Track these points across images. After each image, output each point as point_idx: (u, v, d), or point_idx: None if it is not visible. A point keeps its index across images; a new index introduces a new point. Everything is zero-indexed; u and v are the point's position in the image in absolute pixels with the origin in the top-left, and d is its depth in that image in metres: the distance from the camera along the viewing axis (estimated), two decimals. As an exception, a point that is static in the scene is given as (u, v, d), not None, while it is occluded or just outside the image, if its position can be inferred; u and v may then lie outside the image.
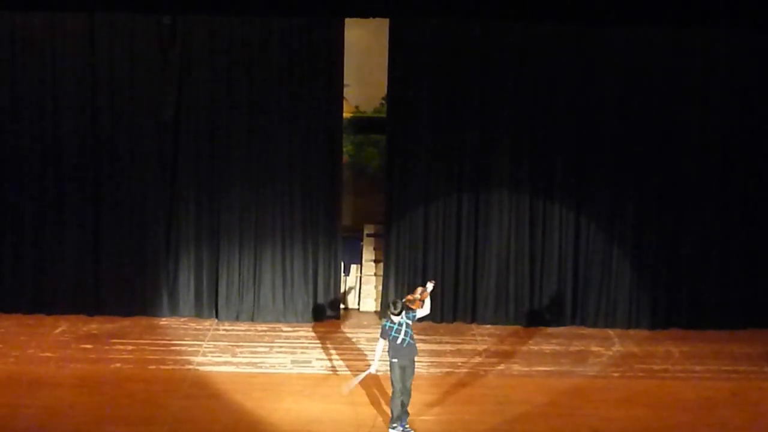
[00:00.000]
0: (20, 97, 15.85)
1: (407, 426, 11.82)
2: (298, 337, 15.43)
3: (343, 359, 14.54)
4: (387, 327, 11.80)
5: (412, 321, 11.87)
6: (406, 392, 11.83)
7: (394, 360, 11.76)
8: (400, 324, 11.71)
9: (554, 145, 16.10)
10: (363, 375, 12.10)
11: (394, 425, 11.80)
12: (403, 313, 11.75)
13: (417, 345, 11.94)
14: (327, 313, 16.31)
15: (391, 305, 11.89)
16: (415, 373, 11.99)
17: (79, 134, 15.90)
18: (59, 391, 12.88)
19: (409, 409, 12.07)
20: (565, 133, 16.07)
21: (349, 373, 13.92)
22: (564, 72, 15.99)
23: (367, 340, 15.42)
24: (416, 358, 11.93)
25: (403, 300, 11.98)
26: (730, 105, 16.01)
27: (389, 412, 11.96)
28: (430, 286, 12.14)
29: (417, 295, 11.99)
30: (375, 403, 12.76)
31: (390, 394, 11.94)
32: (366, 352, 14.85)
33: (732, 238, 16.21)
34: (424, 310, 12.02)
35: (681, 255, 16.27)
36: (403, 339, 11.72)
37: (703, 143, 16.09)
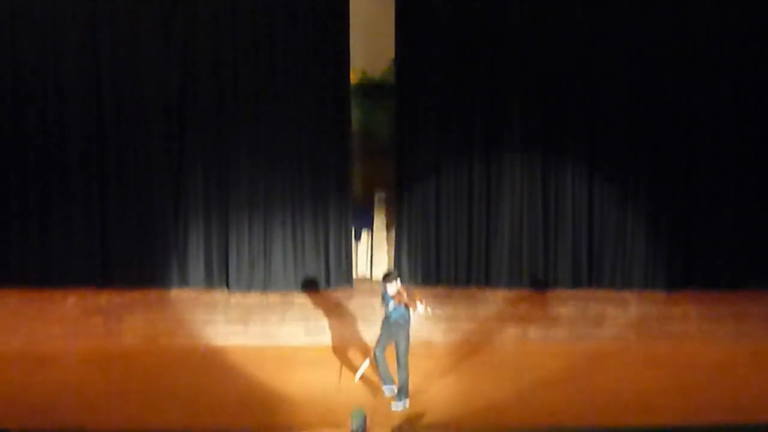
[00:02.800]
0: (23, 71, 15.63)
1: (400, 398, 11.68)
2: (311, 307, 15.27)
3: (356, 328, 14.40)
4: (383, 292, 11.74)
5: (399, 314, 11.64)
6: (402, 368, 11.70)
7: (383, 329, 11.78)
8: (392, 299, 11.60)
9: (566, 106, 15.86)
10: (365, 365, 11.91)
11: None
12: (396, 288, 11.62)
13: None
14: (338, 281, 16.15)
15: (384, 274, 11.98)
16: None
17: (83, 106, 15.71)
18: (69, 366, 12.81)
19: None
20: (578, 95, 15.82)
21: (363, 340, 13.77)
22: (576, 34, 15.69)
23: (381, 307, 15.25)
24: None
25: (407, 296, 11.65)
26: (746, 59, 15.69)
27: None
28: (421, 308, 11.59)
29: (417, 300, 11.59)
30: (392, 372, 12.59)
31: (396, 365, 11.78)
32: (378, 320, 14.64)
33: (750, 198, 15.97)
34: (415, 315, 11.70)
35: (697, 215, 16.06)
36: (392, 315, 11.64)
37: (720, 101, 15.81)
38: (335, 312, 15.07)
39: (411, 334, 11.87)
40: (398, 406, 11.61)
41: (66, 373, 12.55)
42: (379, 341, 11.88)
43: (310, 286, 15.99)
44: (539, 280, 16.11)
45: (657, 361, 13.13)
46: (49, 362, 12.93)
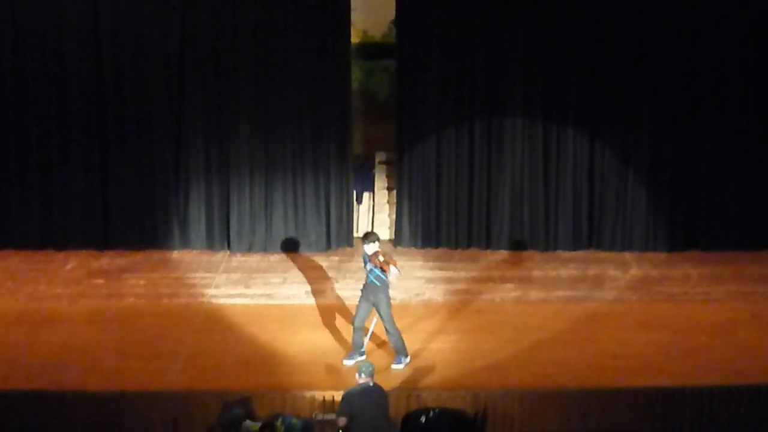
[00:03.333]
0: (22, 33, 15.57)
1: (398, 359, 11.68)
2: (312, 268, 15.27)
3: (357, 289, 14.35)
4: (363, 253, 11.70)
5: (374, 275, 11.58)
6: (389, 333, 11.67)
7: (362, 293, 11.77)
8: (369, 260, 11.56)
9: (567, 68, 15.81)
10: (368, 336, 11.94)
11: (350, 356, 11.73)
12: (374, 249, 11.57)
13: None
14: (340, 243, 16.14)
15: (363, 234, 11.98)
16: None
17: (83, 69, 15.66)
18: (72, 327, 12.81)
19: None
20: (579, 56, 15.78)
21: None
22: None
23: (382, 268, 15.30)
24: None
25: (382, 259, 11.55)
26: (748, 24, 15.64)
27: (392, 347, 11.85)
28: (394, 270, 11.51)
29: (391, 263, 11.56)
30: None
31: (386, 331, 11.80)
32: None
33: (750, 159, 15.97)
34: (391, 277, 11.58)
35: (698, 176, 16.07)
36: (368, 276, 11.58)
37: (720, 63, 15.77)
38: (336, 273, 15.08)
39: (390, 296, 11.81)
40: (398, 367, 11.63)
41: (69, 334, 12.55)
42: (357, 310, 11.76)
43: (311, 247, 16.00)
44: (540, 241, 16.11)
45: (657, 323, 13.12)
46: (52, 323, 12.93)
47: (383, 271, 11.50)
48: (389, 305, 11.71)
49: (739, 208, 16.04)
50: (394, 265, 11.52)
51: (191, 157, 15.93)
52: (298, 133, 15.91)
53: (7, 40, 15.57)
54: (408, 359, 11.73)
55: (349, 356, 11.76)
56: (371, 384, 9.85)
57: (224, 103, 15.80)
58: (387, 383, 10.54)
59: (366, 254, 11.65)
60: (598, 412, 10.99)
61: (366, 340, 11.85)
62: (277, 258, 15.78)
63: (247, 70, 15.71)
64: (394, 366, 11.64)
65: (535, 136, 15.99)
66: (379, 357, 11.76)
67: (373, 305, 11.68)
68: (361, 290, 11.80)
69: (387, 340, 11.82)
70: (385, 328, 11.72)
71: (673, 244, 16.11)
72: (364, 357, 11.69)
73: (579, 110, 15.93)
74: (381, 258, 11.53)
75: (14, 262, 15.42)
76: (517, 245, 16.12)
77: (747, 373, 11.57)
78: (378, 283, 11.59)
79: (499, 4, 15.68)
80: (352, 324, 11.82)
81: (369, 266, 11.59)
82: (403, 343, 11.75)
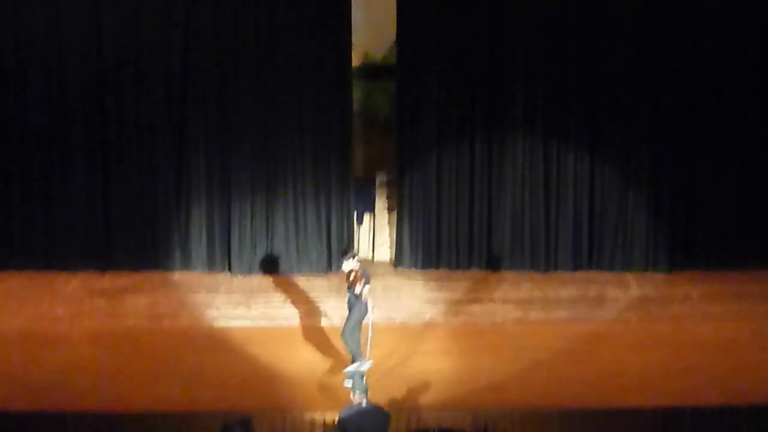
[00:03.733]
0: (25, 50, 15.62)
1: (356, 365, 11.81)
2: (313, 288, 15.30)
3: (358, 309, 14.43)
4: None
5: (352, 295, 11.87)
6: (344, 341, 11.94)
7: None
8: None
9: (567, 87, 15.83)
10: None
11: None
12: (350, 266, 11.86)
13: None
14: (340, 262, 16.17)
15: (343, 250, 12.28)
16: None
17: (85, 87, 15.71)
18: (74, 348, 12.84)
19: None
20: (579, 75, 15.79)
21: (363, 323, 13.78)
22: (576, 13, 15.68)
23: (383, 289, 15.29)
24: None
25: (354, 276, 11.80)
26: (746, 40, 15.66)
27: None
28: (357, 289, 11.78)
29: (359, 280, 11.77)
30: (394, 353, 12.67)
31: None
32: (380, 301, 14.71)
33: (751, 178, 15.96)
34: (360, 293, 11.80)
35: (698, 195, 16.05)
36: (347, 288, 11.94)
37: (719, 82, 15.77)
38: (336, 294, 15.09)
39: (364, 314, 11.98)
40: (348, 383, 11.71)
41: (70, 354, 12.59)
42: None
43: (311, 267, 16.02)
44: (541, 262, 16.10)
45: (658, 342, 13.13)
46: (54, 343, 12.96)
47: (351, 288, 11.79)
48: (358, 322, 11.89)
49: (740, 227, 16.03)
50: (360, 285, 11.70)
51: (192, 178, 15.97)
52: (299, 154, 15.95)
53: (9, 58, 15.63)
54: (368, 363, 11.79)
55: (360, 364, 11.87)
56: (365, 403, 9.83)
57: (225, 124, 15.84)
58: (388, 403, 10.54)
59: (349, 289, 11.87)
60: (598, 432, 11.01)
61: (368, 345, 11.91)
62: (279, 279, 15.80)
63: (248, 90, 15.76)
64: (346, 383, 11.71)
65: (536, 155, 16.01)
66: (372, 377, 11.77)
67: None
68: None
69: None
70: (343, 331, 11.84)
71: (674, 264, 16.10)
72: (371, 362, 11.75)
73: (579, 129, 15.94)
74: (351, 278, 11.76)
75: (16, 282, 15.45)
76: (517, 266, 16.10)
77: (748, 392, 11.58)
78: (353, 300, 11.87)
79: (499, 25, 15.72)
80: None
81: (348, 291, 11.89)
82: (359, 351, 11.88)
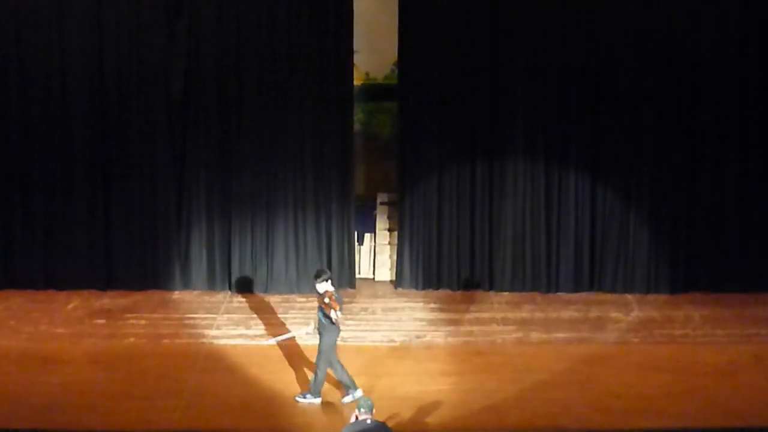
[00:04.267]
0: (27, 72, 15.70)
1: (309, 397, 11.82)
2: (313, 308, 15.22)
3: (358, 330, 14.41)
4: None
5: (321, 314, 11.78)
6: (319, 369, 11.83)
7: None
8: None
9: (569, 109, 15.87)
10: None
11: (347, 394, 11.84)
12: (324, 288, 11.75)
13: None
14: (341, 283, 16.14)
15: (315, 272, 12.13)
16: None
17: (87, 108, 15.77)
18: (73, 367, 12.81)
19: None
20: (580, 97, 15.84)
21: (363, 344, 13.80)
22: (577, 33, 15.76)
23: (383, 310, 15.32)
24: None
25: (328, 300, 11.70)
26: (748, 60, 15.70)
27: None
28: (333, 315, 11.68)
29: (334, 307, 11.67)
30: (391, 373, 12.64)
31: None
32: (380, 322, 14.74)
33: (752, 201, 15.97)
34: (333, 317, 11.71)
35: (700, 218, 16.06)
36: (318, 312, 11.83)
37: (722, 104, 15.83)
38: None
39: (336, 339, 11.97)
40: (303, 401, 11.78)
41: (70, 374, 12.56)
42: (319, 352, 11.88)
43: (311, 288, 15.97)
44: (542, 283, 16.09)
45: (659, 365, 13.10)
46: (54, 363, 12.93)
47: (324, 311, 11.66)
48: (332, 346, 11.81)
49: (741, 250, 16.04)
50: (335, 310, 11.56)
51: (193, 198, 16.00)
52: (300, 174, 15.98)
53: (11, 80, 15.67)
54: (318, 400, 11.78)
55: (347, 394, 11.82)
56: (369, 421, 9.77)
57: (226, 144, 15.88)
58: (388, 423, 10.48)
59: (320, 308, 11.76)
60: (599, 454, 10.98)
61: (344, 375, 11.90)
62: (278, 298, 15.78)
63: (249, 110, 15.80)
64: (299, 398, 11.79)
65: (537, 177, 16.04)
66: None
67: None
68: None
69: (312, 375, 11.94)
70: (317, 362, 11.79)
71: (675, 286, 16.10)
72: (360, 391, 11.70)
73: (580, 151, 15.98)
74: (326, 300, 11.64)
75: (17, 301, 15.45)
76: (519, 287, 16.11)
77: (749, 415, 11.54)
78: (324, 322, 11.74)
79: (499, 47, 15.78)
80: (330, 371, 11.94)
81: (318, 312, 11.76)
82: (321, 387, 11.83)
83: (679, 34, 15.66)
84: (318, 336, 11.91)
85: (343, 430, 9.82)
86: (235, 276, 16.06)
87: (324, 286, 11.76)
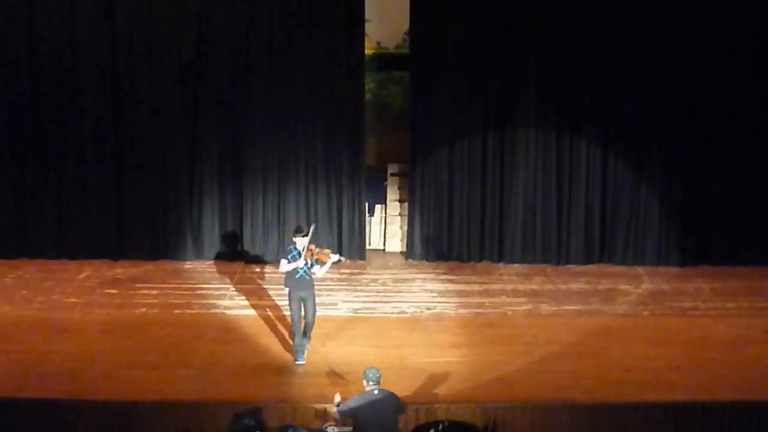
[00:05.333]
0: (38, 38, 15.67)
1: (301, 358, 12.01)
2: (324, 279, 15.27)
3: (368, 301, 14.45)
4: (289, 248, 11.96)
5: (309, 269, 11.92)
6: (309, 324, 12.04)
7: (287, 289, 12.02)
8: (300, 255, 11.80)
9: (581, 80, 15.80)
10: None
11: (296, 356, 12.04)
12: (308, 247, 11.84)
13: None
14: (351, 254, 16.17)
15: (295, 228, 12.23)
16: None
17: (98, 78, 15.76)
18: (86, 337, 12.86)
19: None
20: (593, 69, 15.77)
21: (373, 315, 13.84)
22: (590, 7, 15.65)
23: (393, 281, 15.35)
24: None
25: (317, 250, 11.94)
26: (763, 35, 15.58)
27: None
28: (334, 257, 12.02)
29: (325, 252, 11.96)
30: (402, 345, 12.68)
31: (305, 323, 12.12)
32: (391, 293, 14.76)
33: (765, 173, 15.90)
34: (320, 271, 12.02)
35: (711, 190, 16.03)
36: (297, 270, 11.85)
37: (733, 77, 15.73)
38: (347, 285, 15.12)
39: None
40: (301, 361, 12.00)
41: (82, 343, 12.61)
42: (291, 309, 12.06)
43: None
44: (552, 255, 16.09)
45: (669, 337, 13.09)
46: (66, 332, 12.99)
47: (317, 262, 11.86)
48: (315, 302, 12.13)
49: (752, 223, 16.01)
50: (328, 256, 11.89)
51: (205, 169, 16.01)
52: (311, 144, 15.98)
53: (22, 48, 15.65)
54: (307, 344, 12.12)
55: (298, 357, 12.05)
56: (377, 392, 9.83)
57: (238, 115, 15.87)
58: (400, 397, 10.52)
59: (296, 249, 11.85)
60: (609, 427, 10.96)
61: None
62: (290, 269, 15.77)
63: (260, 80, 15.78)
64: (298, 362, 12.00)
65: (548, 148, 16.00)
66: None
67: (302, 299, 11.96)
68: (286, 284, 12.03)
69: (304, 331, 12.04)
70: (307, 318, 12.00)
71: (686, 259, 16.09)
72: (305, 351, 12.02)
73: (592, 123, 15.92)
74: (316, 250, 11.84)
75: (29, 271, 15.52)
76: (529, 258, 16.10)
77: (759, 388, 11.53)
78: (307, 278, 11.92)
79: (512, 16, 15.70)
80: (292, 330, 12.13)
81: (301, 261, 11.79)
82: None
83: (694, 8, 15.55)
84: (295, 296, 11.99)
85: (350, 400, 9.89)
86: (246, 246, 16.10)
87: (304, 241, 11.85)
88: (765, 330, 13.37)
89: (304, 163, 16.00)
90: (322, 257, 11.92)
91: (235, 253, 16.18)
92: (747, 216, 16.04)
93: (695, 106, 15.82)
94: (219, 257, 16.15)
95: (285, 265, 11.93)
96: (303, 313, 12.04)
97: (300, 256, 11.85)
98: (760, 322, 13.64)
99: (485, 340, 12.96)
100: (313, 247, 11.93)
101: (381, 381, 9.89)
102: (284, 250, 12.14)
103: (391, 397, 9.92)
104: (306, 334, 12.12)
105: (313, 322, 12.12)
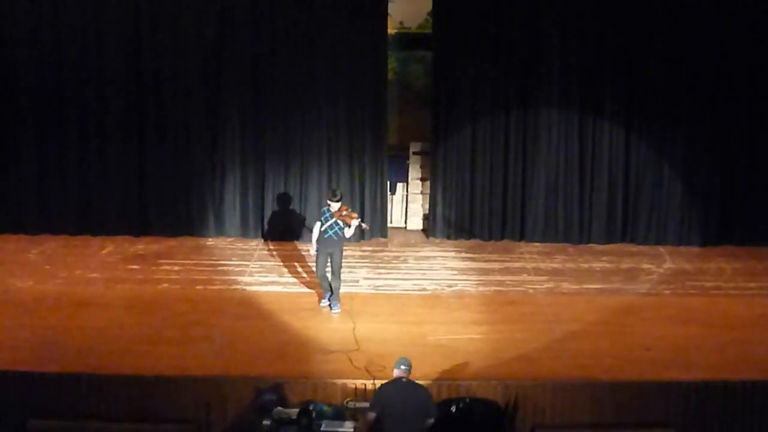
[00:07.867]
0: (61, 18, 15.70)
1: (335, 305, 12.95)
2: (345, 257, 15.28)
3: (390, 278, 14.47)
4: (323, 210, 12.97)
5: (341, 230, 12.79)
6: (336, 277, 12.93)
7: (317, 249, 12.93)
8: (332, 216, 12.70)
9: (605, 60, 15.74)
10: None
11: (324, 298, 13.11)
12: (341, 208, 12.74)
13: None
14: (373, 232, 16.18)
15: (330, 192, 13.22)
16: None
17: (121, 55, 15.80)
18: (108, 312, 12.93)
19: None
20: (616, 49, 15.70)
21: (394, 292, 13.85)
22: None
23: (415, 258, 15.37)
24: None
25: (346, 212, 12.78)
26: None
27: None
28: (356, 222, 12.80)
29: (353, 215, 12.82)
30: (423, 322, 12.69)
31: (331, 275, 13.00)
32: (412, 271, 14.78)
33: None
34: (348, 232, 12.86)
35: (733, 170, 15.97)
36: (327, 232, 12.76)
37: (758, 55, 15.61)
38: (369, 262, 15.14)
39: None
40: (337, 310, 12.88)
41: (104, 318, 12.67)
42: (318, 263, 12.98)
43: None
44: (574, 234, 16.05)
45: (690, 317, 13.07)
46: (88, 307, 13.06)
47: (346, 224, 12.67)
48: (342, 254, 13.00)
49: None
50: (356, 218, 12.76)
51: (227, 146, 16.04)
52: (334, 123, 15.98)
53: (46, 26, 15.68)
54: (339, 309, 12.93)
55: (324, 298, 13.12)
56: (404, 380, 9.81)
57: (260, 92, 15.87)
58: (419, 372, 10.54)
59: (329, 212, 12.73)
60: (629, 405, 10.97)
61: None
62: (311, 246, 15.81)
63: (283, 58, 15.78)
64: (333, 311, 12.91)
65: (571, 128, 15.96)
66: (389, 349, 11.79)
67: (330, 254, 12.84)
68: (318, 248, 12.89)
69: (332, 283, 12.95)
70: (334, 272, 12.90)
71: (708, 239, 16.04)
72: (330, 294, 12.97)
73: (615, 103, 15.87)
74: (344, 212, 12.72)
75: (52, 246, 15.62)
76: (551, 237, 16.11)
77: (780, 368, 11.51)
78: (335, 238, 12.77)
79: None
80: (320, 279, 13.06)
81: (331, 222, 12.67)
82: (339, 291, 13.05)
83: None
84: (322, 252, 12.87)
85: (378, 388, 9.90)
86: (268, 223, 16.13)
87: (338, 205, 12.68)
88: (786, 310, 13.33)
89: (327, 141, 16.02)
90: (348, 219, 12.61)
91: (256, 230, 16.22)
92: (769, 196, 15.96)
93: (718, 87, 15.72)
94: (240, 234, 16.19)
95: (317, 229, 12.89)
96: (329, 268, 12.92)
97: (332, 218, 12.63)
98: (782, 303, 13.59)
99: (506, 318, 12.96)
100: (344, 208, 12.70)
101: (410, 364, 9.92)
102: (309, 224, 12.58)
103: (421, 391, 9.85)
104: (333, 290, 12.95)
105: (340, 272, 12.93)
